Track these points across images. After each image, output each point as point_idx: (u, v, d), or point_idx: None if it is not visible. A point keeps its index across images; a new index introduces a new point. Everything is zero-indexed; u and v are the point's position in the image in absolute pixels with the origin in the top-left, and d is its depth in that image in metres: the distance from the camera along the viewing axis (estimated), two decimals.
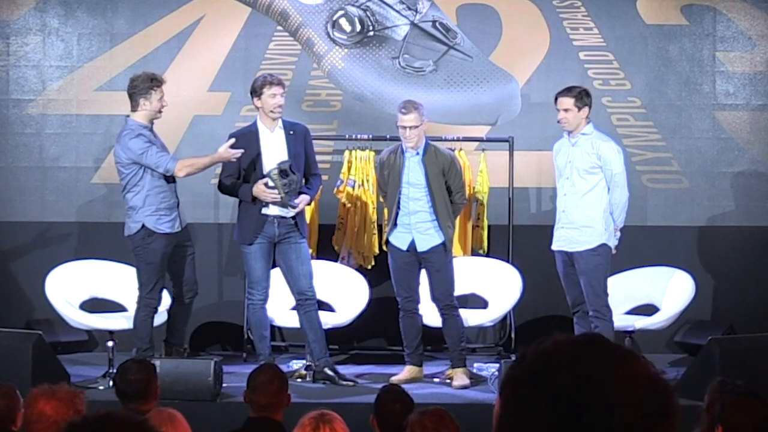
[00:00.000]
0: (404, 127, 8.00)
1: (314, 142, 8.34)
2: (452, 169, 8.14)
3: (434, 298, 8.17)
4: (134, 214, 7.95)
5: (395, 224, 8.16)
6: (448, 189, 8.13)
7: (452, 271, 8.16)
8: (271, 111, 7.98)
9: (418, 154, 8.08)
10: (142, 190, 7.91)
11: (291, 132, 8.04)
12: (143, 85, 7.95)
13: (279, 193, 7.81)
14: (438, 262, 8.10)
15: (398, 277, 8.20)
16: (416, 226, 8.10)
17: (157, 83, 7.96)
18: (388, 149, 8.34)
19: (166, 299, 8.30)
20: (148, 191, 7.92)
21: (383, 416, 5.17)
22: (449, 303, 8.12)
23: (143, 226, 7.91)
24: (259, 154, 7.98)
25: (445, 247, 8.08)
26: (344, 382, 8.01)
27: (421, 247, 8.09)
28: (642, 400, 1.59)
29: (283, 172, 7.80)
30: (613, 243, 7.99)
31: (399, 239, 8.16)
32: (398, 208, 8.13)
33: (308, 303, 8.07)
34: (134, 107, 7.98)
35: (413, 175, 8.09)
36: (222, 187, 8.15)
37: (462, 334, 8.20)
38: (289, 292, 8.18)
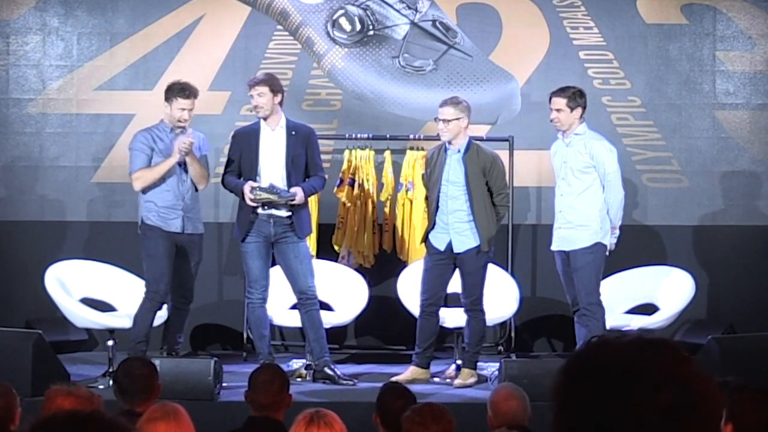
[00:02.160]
0: (438, 120, 8.02)
1: None
2: (494, 168, 8.04)
3: (462, 298, 8.16)
4: (139, 207, 8.16)
5: (434, 224, 8.13)
6: (490, 191, 8.06)
7: (484, 275, 8.06)
8: (252, 112, 8.05)
9: (459, 151, 8.04)
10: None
11: (293, 133, 8.06)
12: (167, 93, 8.08)
13: (275, 201, 7.90)
14: (471, 264, 8.02)
15: (426, 278, 8.14)
16: (454, 226, 8.02)
17: (172, 94, 8.03)
18: (433, 147, 8.33)
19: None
20: (151, 186, 8.04)
21: (386, 414, 5.15)
22: (475, 306, 8.07)
23: (142, 221, 8.07)
24: (257, 153, 8.03)
25: (479, 250, 8.01)
26: (344, 382, 8.01)
27: (458, 248, 8.02)
28: (717, 396, 1.63)
29: (263, 189, 7.87)
30: (609, 242, 7.98)
31: (437, 239, 8.09)
32: (437, 206, 8.10)
33: (309, 302, 8.08)
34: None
35: (453, 173, 8.03)
36: (223, 182, 8.23)
37: (481, 338, 8.18)
38: (290, 291, 8.19)
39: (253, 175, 7.99)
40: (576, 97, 7.94)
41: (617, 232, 8.05)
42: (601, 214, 7.93)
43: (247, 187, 7.89)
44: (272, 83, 8.04)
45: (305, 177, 8.10)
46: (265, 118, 8.03)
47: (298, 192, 7.93)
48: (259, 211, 8.01)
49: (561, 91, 7.98)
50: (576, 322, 8.03)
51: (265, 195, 7.89)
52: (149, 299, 8.02)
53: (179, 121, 8.03)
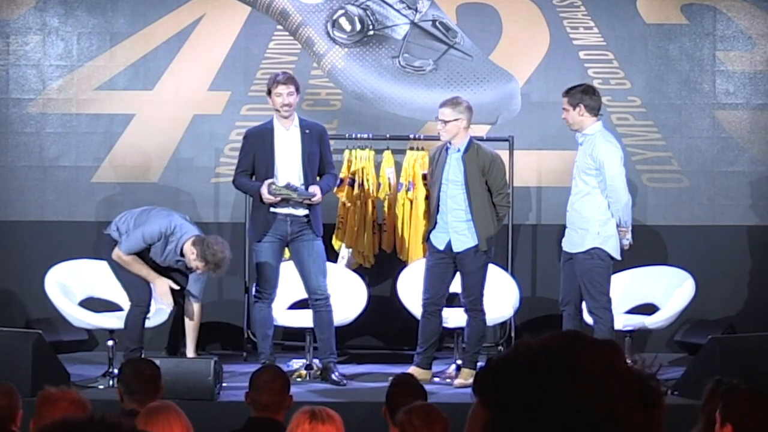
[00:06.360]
0: (438, 120, 8.02)
1: None
2: (493, 168, 8.02)
3: (461, 298, 8.17)
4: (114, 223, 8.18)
5: (435, 222, 8.12)
6: (490, 190, 8.05)
7: (484, 274, 8.06)
8: (277, 110, 8.02)
9: (459, 151, 8.03)
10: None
11: (307, 131, 8.07)
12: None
13: (293, 198, 7.91)
14: (470, 264, 8.02)
15: (427, 277, 8.14)
16: (453, 225, 8.02)
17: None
18: (436, 146, 8.33)
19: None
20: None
21: (396, 410, 5.13)
22: (474, 306, 8.07)
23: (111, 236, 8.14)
24: (272, 153, 8.01)
25: (477, 250, 8.00)
26: (346, 382, 8.03)
27: (457, 247, 8.01)
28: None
29: (283, 188, 7.87)
30: (612, 247, 7.84)
31: (437, 238, 8.09)
32: (438, 205, 8.10)
33: (318, 302, 8.07)
34: None
35: (453, 173, 8.02)
36: (236, 184, 8.19)
37: (481, 338, 8.18)
38: (290, 290, 8.20)
39: (270, 175, 7.97)
40: (576, 94, 7.79)
41: (629, 235, 7.92)
42: (601, 219, 7.81)
43: (264, 186, 7.87)
44: (298, 84, 8.08)
45: (319, 174, 8.12)
46: (285, 117, 8.02)
47: (317, 192, 7.94)
48: (278, 210, 7.98)
49: (566, 91, 7.89)
50: (564, 320, 8.00)
51: (284, 191, 7.88)
52: (137, 305, 8.05)
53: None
